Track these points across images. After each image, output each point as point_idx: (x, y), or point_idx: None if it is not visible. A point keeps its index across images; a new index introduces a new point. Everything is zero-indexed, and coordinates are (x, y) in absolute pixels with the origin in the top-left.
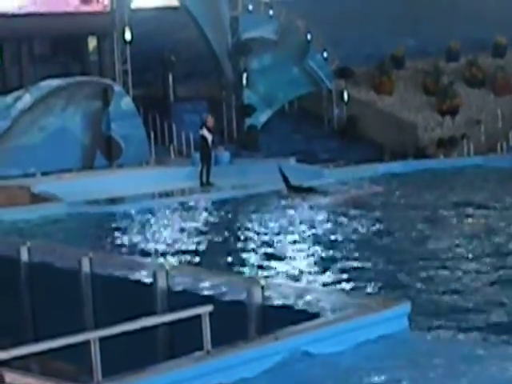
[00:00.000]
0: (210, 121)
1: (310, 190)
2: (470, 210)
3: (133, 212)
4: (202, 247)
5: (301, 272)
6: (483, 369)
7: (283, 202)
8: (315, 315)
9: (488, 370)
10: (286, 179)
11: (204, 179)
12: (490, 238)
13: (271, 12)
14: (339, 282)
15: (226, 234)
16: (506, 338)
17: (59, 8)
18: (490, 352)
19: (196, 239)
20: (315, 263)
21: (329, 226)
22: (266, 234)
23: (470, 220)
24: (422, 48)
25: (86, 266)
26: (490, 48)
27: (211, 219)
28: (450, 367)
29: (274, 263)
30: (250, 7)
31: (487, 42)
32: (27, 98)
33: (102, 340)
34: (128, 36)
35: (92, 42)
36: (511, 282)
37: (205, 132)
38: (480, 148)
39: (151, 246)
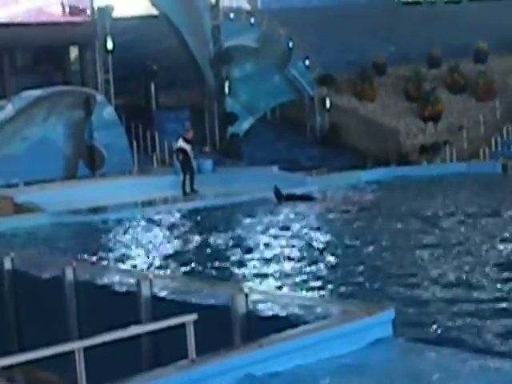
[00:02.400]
0: (190, 134)
1: (302, 198)
2: (450, 219)
3: (115, 221)
4: (186, 255)
5: (283, 278)
6: (469, 378)
7: (268, 210)
8: (300, 322)
9: (477, 380)
10: (279, 195)
11: (187, 188)
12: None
13: (253, 20)
14: (322, 288)
15: (209, 241)
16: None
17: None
18: (479, 363)
19: (179, 247)
20: (296, 269)
21: (312, 231)
22: (250, 241)
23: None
24: (403, 54)
25: (69, 276)
26: (472, 54)
27: (193, 227)
28: (437, 375)
29: (258, 270)
30: (232, 15)
31: (469, 48)
32: (9, 108)
33: (87, 349)
34: (110, 45)
35: (74, 52)
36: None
37: (182, 143)
38: (462, 154)
39: (134, 255)
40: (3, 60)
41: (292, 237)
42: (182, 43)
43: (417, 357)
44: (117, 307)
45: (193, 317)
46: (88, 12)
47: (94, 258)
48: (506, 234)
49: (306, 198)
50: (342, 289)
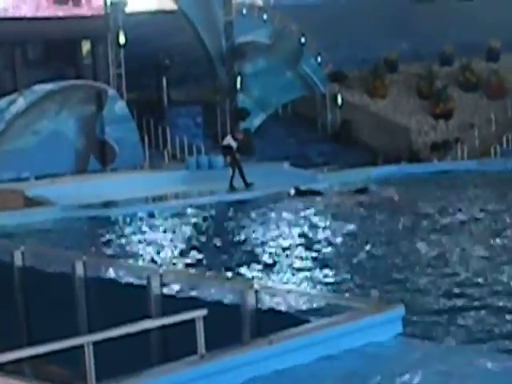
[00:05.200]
0: (240, 135)
1: (317, 193)
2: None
3: (126, 216)
4: (197, 251)
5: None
6: (478, 376)
7: (279, 205)
8: (309, 319)
9: (484, 379)
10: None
11: (235, 183)
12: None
13: (265, 16)
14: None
15: (221, 237)
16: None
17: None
18: (486, 361)
19: (191, 243)
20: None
21: (322, 228)
22: (263, 237)
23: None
24: (415, 52)
25: (79, 270)
26: (484, 52)
27: (204, 222)
28: (445, 374)
29: (269, 267)
30: (244, 11)
31: (481, 46)
32: (21, 102)
33: (96, 344)
34: (122, 40)
35: (86, 46)
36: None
37: (230, 140)
38: (474, 152)
39: (145, 250)
40: (15, 54)
41: (302, 235)
42: (195, 38)
43: (426, 354)
44: (127, 302)
45: (203, 312)
46: (100, 5)
47: (105, 253)
48: None
49: (317, 193)
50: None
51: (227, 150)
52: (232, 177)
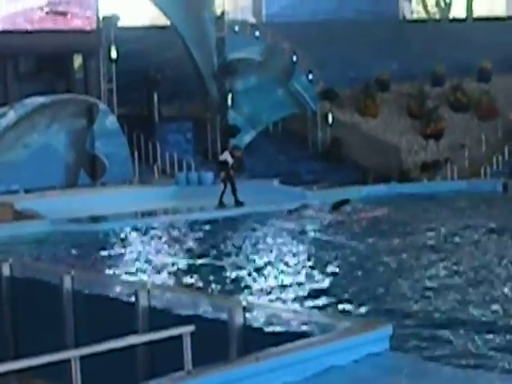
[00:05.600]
0: (239, 153)
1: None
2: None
3: (116, 230)
4: (184, 266)
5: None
6: None
7: (267, 223)
8: (297, 337)
9: None
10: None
11: (225, 199)
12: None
13: (257, 33)
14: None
15: (208, 252)
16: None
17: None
18: (471, 377)
19: (177, 258)
20: (292, 283)
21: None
22: (251, 254)
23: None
24: (406, 72)
25: (67, 284)
26: (475, 72)
27: (193, 239)
28: None
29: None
30: (236, 28)
31: (472, 67)
32: (12, 115)
33: (83, 358)
34: (114, 54)
35: (77, 60)
36: None
37: (227, 156)
38: (464, 172)
39: (133, 265)
40: (6, 67)
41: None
42: (186, 54)
43: (414, 372)
44: (114, 317)
45: (190, 328)
46: (93, 20)
47: (93, 267)
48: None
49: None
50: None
51: (223, 165)
52: (222, 193)
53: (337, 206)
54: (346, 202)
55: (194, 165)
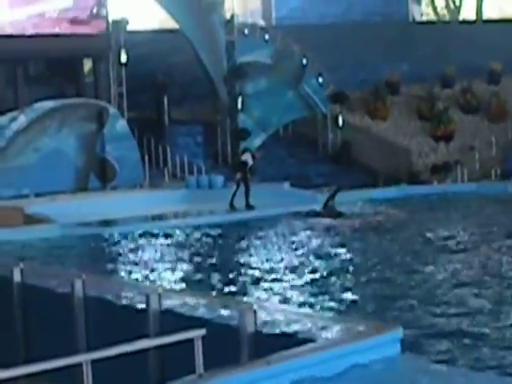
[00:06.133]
0: (258, 155)
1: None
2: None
3: (126, 234)
4: (195, 270)
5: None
6: None
7: (278, 227)
8: (307, 340)
9: None
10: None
11: (236, 202)
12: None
13: (267, 36)
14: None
15: (216, 258)
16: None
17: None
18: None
19: (189, 262)
20: (303, 285)
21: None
22: (262, 257)
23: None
24: (416, 74)
25: (78, 288)
26: (485, 74)
27: (204, 242)
28: None
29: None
30: (246, 31)
31: (482, 69)
32: (22, 119)
33: (94, 362)
34: (123, 58)
35: (87, 64)
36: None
37: (248, 157)
38: (474, 174)
39: (144, 269)
40: (17, 71)
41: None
42: (196, 58)
43: (425, 376)
44: (126, 321)
45: (201, 332)
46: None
47: (104, 271)
48: None
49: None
50: None
51: (242, 166)
52: (234, 194)
53: (329, 199)
54: (337, 191)
55: (204, 168)
